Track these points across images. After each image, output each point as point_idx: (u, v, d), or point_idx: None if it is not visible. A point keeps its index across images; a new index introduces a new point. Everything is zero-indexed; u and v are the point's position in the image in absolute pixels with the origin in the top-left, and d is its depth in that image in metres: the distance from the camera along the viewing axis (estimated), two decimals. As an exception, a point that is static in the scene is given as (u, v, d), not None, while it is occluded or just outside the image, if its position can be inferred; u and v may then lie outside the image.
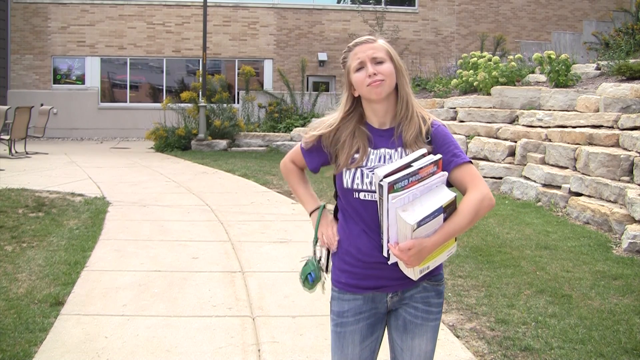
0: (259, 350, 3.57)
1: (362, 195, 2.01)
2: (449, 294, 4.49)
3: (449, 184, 2.03)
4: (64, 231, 6.12)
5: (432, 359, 2.14)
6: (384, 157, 2.03)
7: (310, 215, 2.24)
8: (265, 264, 5.30)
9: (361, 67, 2.02)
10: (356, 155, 2.03)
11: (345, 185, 2.04)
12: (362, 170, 2.01)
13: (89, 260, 5.23)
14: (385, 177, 1.87)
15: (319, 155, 2.15)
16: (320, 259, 2.20)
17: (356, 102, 2.10)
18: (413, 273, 1.97)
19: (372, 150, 2.04)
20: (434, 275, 2.08)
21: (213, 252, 5.66)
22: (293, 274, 4.86)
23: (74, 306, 4.18)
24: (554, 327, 3.86)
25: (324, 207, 2.22)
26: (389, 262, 1.96)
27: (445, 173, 1.96)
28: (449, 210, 1.93)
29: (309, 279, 2.20)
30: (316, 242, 2.20)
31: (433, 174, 1.93)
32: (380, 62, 2.01)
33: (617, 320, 3.96)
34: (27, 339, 3.59)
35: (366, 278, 2.06)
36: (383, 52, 2.03)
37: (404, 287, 2.06)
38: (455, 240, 2.03)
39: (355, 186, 2.02)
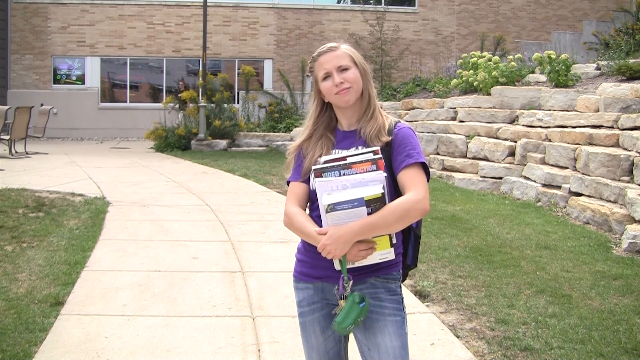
0: (259, 351, 3.57)
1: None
2: (449, 294, 4.50)
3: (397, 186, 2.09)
4: (64, 231, 6.12)
5: (406, 357, 2.09)
6: None
7: None
8: (265, 264, 5.31)
9: (327, 76, 2.13)
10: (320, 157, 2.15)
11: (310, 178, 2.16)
12: None
13: (89, 260, 5.24)
14: (323, 164, 2.00)
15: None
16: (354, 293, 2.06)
17: (326, 106, 2.21)
18: (335, 263, 2.04)
19: (335, 151, 2.15)
20: (383, 274, 2.11)
21: (213, 252, 5.66)
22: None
23: (74, 306, 4.18)
24: (554, 327, 3.86)
25: None
26: None
27: (383, 173, 1.99)
28: (374, 206, 1.94)
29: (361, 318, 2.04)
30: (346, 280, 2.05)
31: (371, 171, 1.99)
32: (346, 69, 2.12)
33: (617, 320, 3.96)
34: (27, 339, 3.59)
35: (315, 267, 2.14)
36: (347, 59, 2.14)
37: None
38: (392, 246, 2.03)
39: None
